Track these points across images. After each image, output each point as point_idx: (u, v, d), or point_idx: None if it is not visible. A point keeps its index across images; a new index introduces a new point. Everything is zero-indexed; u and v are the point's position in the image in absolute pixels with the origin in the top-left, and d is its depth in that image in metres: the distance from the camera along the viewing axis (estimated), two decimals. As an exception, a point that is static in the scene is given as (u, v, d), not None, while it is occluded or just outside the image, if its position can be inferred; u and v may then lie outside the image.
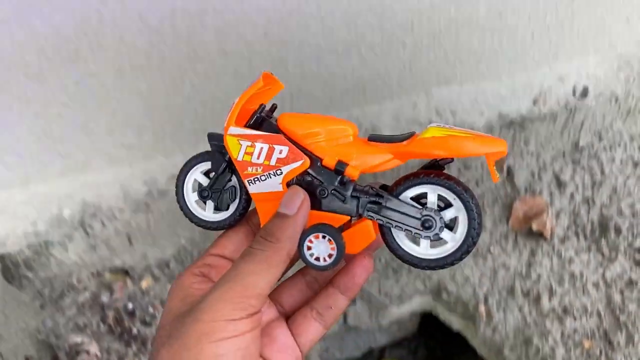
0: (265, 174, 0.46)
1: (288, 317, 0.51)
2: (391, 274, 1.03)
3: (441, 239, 0.45)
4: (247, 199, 0.49)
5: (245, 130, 0.47)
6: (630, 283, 0.96)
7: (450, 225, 0.45)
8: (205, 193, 0.49)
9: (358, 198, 0.46)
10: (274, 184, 0.46)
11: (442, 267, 0.45)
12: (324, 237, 0.45)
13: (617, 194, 1.03)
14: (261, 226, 0.47)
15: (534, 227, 1.00)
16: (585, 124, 1.06)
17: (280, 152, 0.46)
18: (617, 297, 0.95)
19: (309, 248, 0.45)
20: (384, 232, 0.46)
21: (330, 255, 0.45)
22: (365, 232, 0.46)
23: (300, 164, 0.46)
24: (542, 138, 1.04)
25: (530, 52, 1.00)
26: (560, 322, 0.95)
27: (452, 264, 0.45)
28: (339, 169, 0.46)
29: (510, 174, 1.04)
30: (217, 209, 0.50)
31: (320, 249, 0.45)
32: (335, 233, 0.45)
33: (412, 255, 0.46)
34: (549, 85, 1.03)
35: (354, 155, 0.46)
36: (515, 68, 1.01)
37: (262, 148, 0.46)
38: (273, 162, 0.46)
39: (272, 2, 0.80)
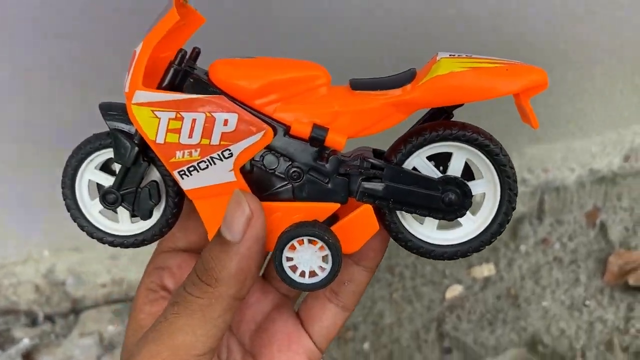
0: (205, 159, 0.31)
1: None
2: (486, 324, 1.07)
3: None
4: (176, 194, 0.34)
5: (163, 94, 0.30)
6: None
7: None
8: (112, 198, 0.34)
9: (347, 175, 0.32)
10: (222, 172, 0.31)
11: (461, 256, 0.33)
12: (308, 241, 0.30)
13: None
14: (208, 237, 0.33)
15: (631, 281, 1.01)
16: (680, 180, 1.07)
17: (226, 123, 0.30)
18: None
19: (289, 260, 0.31)
20: (383, 214, 0.33)
21: (321, 268, 0.31)
22: (365, 222, 0.32)
23: (260, 137, 0.30)
24: (636, 193, 1.07)
25: (620, 110, 1.04)
26: (663, 379, 0.94)
27: (467, 254, 0.32)
28: (317, 136, 0.31)
29: (603, 228, 1.06)
30: (135, 216, 0.35)
31: (305, 259, 0.31)
32: (323, 232, 0.30)
33: (422, 241, 0.33)
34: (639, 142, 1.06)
35: (336, 114, 0.31)
36: (605, 126, 1.05)
37: (194, 120, 0.30)
38: (216, 140, 0.30)
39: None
